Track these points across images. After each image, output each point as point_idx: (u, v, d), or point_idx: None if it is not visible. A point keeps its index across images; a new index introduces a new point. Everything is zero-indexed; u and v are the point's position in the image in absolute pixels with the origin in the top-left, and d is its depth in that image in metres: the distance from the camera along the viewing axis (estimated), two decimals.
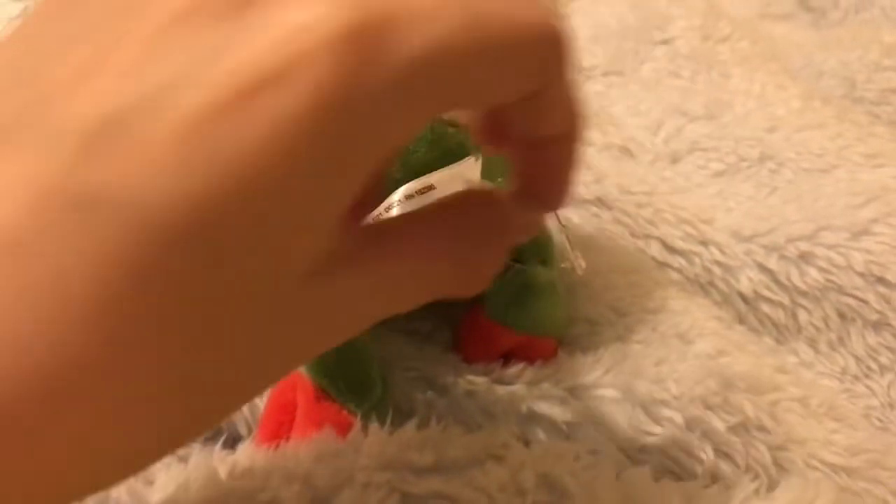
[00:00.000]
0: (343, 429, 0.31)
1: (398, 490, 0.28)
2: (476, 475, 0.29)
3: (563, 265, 0.37)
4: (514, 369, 0.36)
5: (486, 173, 0.32)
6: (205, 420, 0.19)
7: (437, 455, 0.29)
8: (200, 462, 0.30)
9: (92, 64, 0.16)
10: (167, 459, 0.34)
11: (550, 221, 0.38)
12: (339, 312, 0.20)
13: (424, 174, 0.31)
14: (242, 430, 0.36)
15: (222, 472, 0.29)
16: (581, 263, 0.36)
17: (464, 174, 0.31)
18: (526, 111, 0.21)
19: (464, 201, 0.23)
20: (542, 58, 0.19)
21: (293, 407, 0.33)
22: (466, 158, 0.31)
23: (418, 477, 0.28)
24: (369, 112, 0.16)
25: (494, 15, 0.18)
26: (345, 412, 0.32)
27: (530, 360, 0.36)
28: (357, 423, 0.31)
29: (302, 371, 0.32)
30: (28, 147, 0.16)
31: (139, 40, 0.16)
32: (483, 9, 0.17)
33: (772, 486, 0.33)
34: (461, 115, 0.31)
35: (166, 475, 0.29)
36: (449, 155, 0.31)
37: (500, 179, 0.33)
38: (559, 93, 0.21)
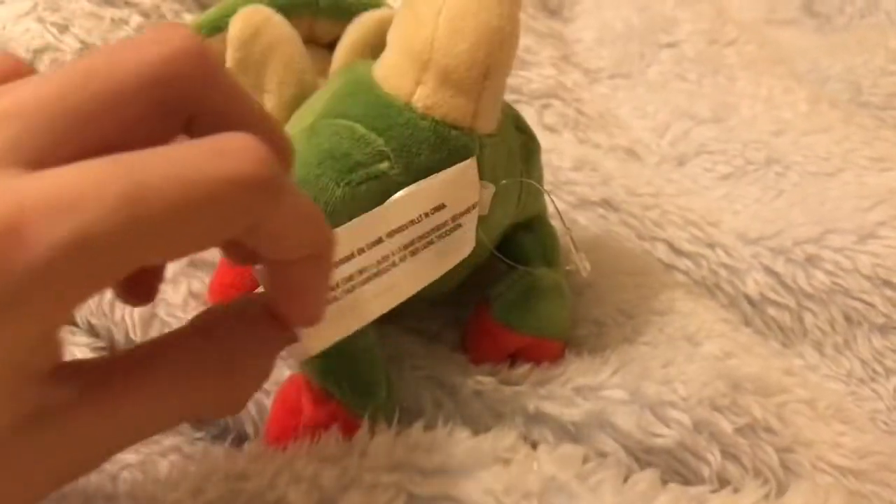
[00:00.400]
0: (349, 430, 0.30)
1: (405, 491, 0.28)
2: (483, 477, 0.28)
3: (567, 267, 0.37)
4: (521, 370, 0.36)
5: (488, 174, 0.32)
6: None
7: (444, 457, 0.29)
8: (208, 460, 0.30)
9: None
10: (174, 457, 0.34)
11: (557, 223, 0.39)
12: (61, 457, 0.20)
13: (428, 176, 0.31)
14: (249, 429, 0.36)
15: (230, 471, 0.29)
16: (586, 265, 0.36)
17: (465, 174, 0.31)
18: (254, 240, 0.21)
19: (215, 325, 0.23)
20: (235, 205, 0.19)
21: (299, 408, 0.33)
22: (468, 161, 0.31)
23: (425, 478, 0.28)
24: (13, 301, 0.17)
25: (163, 183, 0.18)
26: (350, 414, 0.31)
27: (537, 361, 0.36)
28: (363, 424, 0.31)
29: (307, 373, 0.32)
30: None
31: None
32: (150, 181, 0.18)
33: (780, 490, 0.33)
34: (463, 117, 0.31)
35: (174, 473, 0.29)
36: (453, 156, 0.31)
37: (502, 182, 0.33)
38: (279, 225, 0.21)
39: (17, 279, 0.17)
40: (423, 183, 0.30)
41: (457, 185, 0.31)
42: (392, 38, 0.32)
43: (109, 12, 0.50)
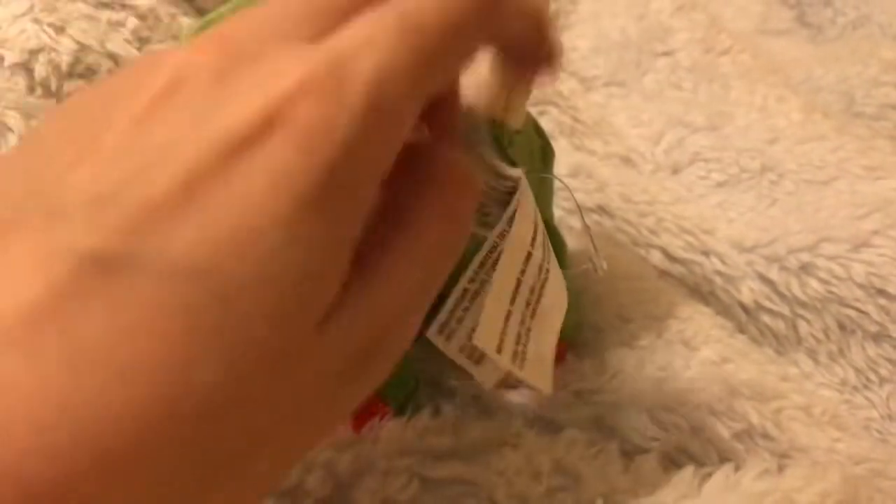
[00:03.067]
0: (380, 417, 0.31)
1: (418, 475, 0.28)
2: (493, 459, 0.29)
3: (584, 266, 0.37)
4: None
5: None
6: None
7: (455, 440, 0.30)
8: None
9: (82, 154, 0.17)
10: None
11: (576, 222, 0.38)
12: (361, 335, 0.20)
13: None
14: None
15: None
16: (603, 264, 0.36)
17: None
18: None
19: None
20: (484, 12, 0.21)
21: None
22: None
23: (438, 462, 0.29)
24: (354, 140, 0.17)
25: (427, 13, 0.19)
26: (382, 401, 0.32)
27: None
28: (391, 411, 0.31)
29: None
30: (37, 224, 0.16)
31: (120, 129, 0.17)
32: (416, 18, 0.19)
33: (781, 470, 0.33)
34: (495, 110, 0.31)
35: None
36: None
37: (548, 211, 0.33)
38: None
39: (357, 112, 0.17)
40: (522, 191, 0.29)
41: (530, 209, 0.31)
42: None
43: (106, 14, 0.50)
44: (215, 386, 0.16)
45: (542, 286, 0.28)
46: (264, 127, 0.17)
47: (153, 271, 0.16)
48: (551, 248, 0.31)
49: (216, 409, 0.16)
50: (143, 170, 0.16)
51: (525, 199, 0.29)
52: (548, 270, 0.29)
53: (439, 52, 0.20)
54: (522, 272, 0.28)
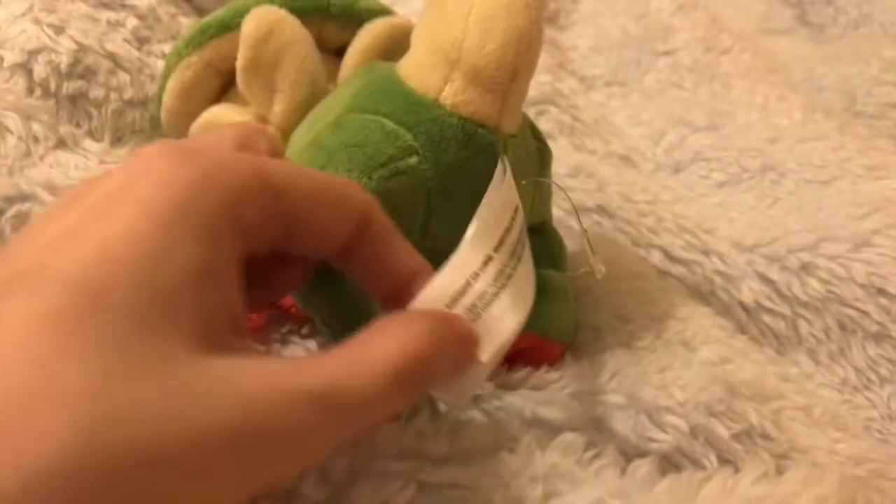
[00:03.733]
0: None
1: (415, 479, 0.28)
2: (491, 463, 0.29)
3: (582, 270, 0.37)
4: (519, 374, 0.36)
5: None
6: None
7: (452, 444, 0.29)
8: None
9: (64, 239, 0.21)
10: None
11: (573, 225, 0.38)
12: None
13: (455, 173, 0.31)
14: None
15: None
16: (601, 268, 0.36)
17: (510, 199, 0.30)
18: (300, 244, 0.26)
19: None
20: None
21: None
22: (499, 177, 0.30)
23: (435, 466, 0.28)
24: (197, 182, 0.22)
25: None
26: None
27: (537, 364, 0.36)
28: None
29: None
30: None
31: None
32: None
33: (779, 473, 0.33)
34: (489, 116, 0.31)
35: None
36: (479, 154, 0.31)
37: (522, 182, 0.33)
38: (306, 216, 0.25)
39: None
40: (493, 192, 0.29)
41: (511, 188, 0.31)
42: (419, 36, 0.33)
43: (105, 14, 0.50)
44: (80, 375, 0.18)
45: (515, 268, 0.28)
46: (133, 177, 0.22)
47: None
48: (528, 244, 0.31)
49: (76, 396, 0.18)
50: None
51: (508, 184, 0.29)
52: (520, 258, 0.29)
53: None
54: (499, 243, 0.28)
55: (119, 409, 0.18)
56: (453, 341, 0.25)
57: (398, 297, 0.26)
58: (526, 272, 0.30)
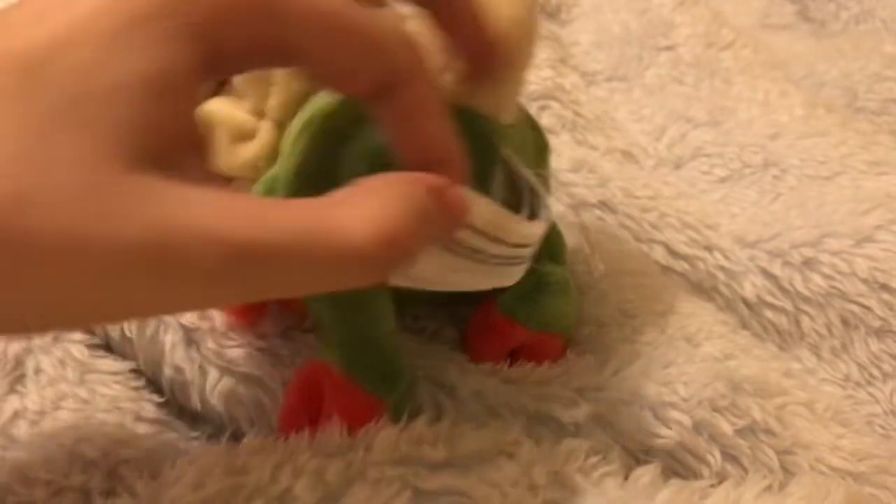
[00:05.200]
0: (370, 417, 0.31)
1: (410, 485, 0.28)
2: (488, 471, 0.28)
3: (579, 267, 0.37)
4: (521, 369, 0.35)
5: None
6: None
7: (449, 450, 0.29)
8: (207, 455, 0.29)
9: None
10: (172, 453, 0.34)
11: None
12: None
13: None
14: (245, 427, 0.36)
15: (230, 465, 0.28)
16: (599, 266, 0.35)
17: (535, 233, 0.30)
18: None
19: None
20: None
21: (318, 395, 0.32)
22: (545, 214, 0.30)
23: (431, 472, 0.28)
24: None
25: None
26: (373, 400, 0.31)
27: (539, 359, 0.36)
28: (386, 411, 0.31)
29: (330, 358, 0.32)
30: None
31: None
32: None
33: (782, 487, 0.33)
34: (487, 106, 0.31)
35: (174, 470, 0.29)
36: (476, 142, 0.31)
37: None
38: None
39: None
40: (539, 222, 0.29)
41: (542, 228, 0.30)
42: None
43: None
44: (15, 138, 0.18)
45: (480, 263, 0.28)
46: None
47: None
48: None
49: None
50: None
51: None
52: (486, 264, 0.28)
53: None
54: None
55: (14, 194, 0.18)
56: (435, 210, 0.23)
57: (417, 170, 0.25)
58: (488, 272, 0.29)
